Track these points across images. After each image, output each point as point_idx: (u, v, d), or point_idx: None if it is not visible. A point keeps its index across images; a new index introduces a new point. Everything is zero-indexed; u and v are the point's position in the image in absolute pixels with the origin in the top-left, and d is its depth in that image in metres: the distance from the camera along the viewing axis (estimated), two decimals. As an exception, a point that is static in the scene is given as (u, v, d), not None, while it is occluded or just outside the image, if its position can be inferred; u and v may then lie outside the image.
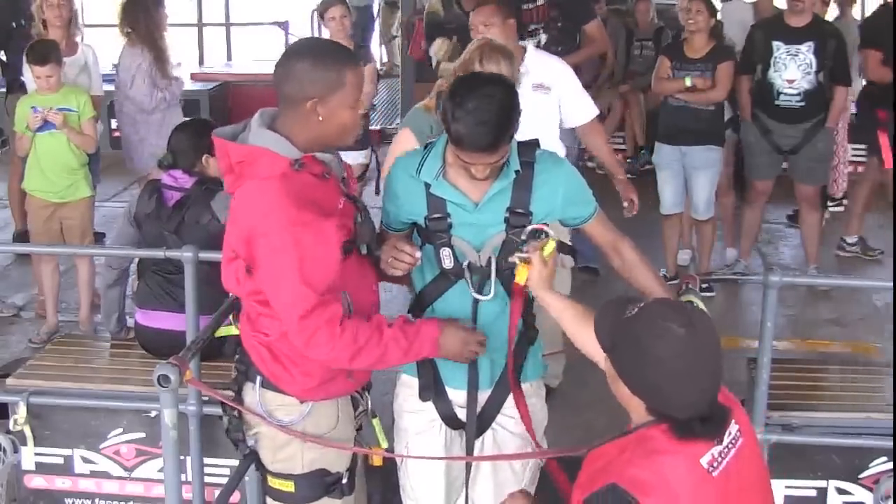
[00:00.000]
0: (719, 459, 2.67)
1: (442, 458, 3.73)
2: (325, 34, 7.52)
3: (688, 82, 7.36)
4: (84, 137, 6.69)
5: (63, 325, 6.84)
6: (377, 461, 3.76)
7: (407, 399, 3.77)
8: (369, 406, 3.76)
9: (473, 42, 4.66)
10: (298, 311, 3.24)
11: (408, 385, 3.76)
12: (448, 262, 3.55)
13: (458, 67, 4.50)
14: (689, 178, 7.56)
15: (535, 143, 3.60)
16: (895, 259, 6.24)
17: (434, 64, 8.08)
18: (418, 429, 3.75)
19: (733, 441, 2.72)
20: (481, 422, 3.69)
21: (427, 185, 3.53)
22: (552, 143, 5.18)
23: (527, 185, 3.52)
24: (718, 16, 7.92)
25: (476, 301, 3.56)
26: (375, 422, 3.75)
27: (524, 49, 5.60)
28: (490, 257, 3.52)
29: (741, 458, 2.73)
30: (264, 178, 3.24)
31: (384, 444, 3.75)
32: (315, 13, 8.53)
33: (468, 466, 3.76)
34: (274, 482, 3.62)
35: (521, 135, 3.54)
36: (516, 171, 3.50)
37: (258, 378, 3.53)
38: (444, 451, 3.74)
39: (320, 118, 3.27)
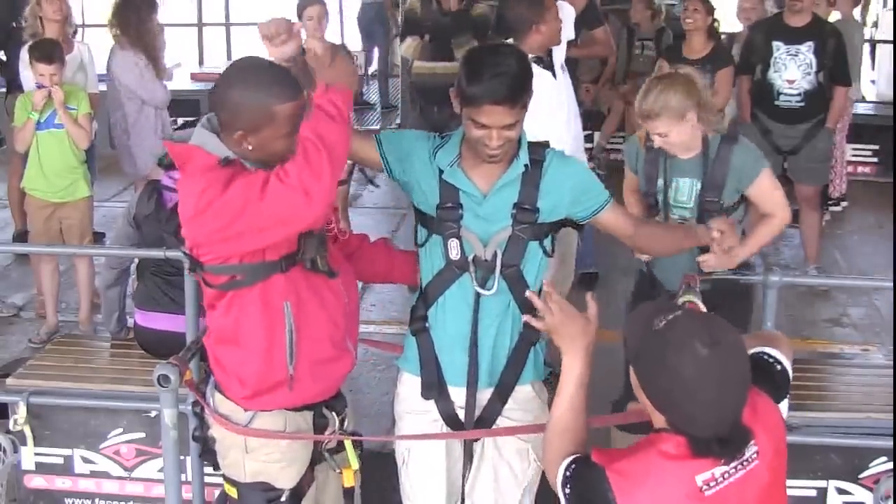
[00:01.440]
0: (719, 480, 2.62)
1: (426, 435, 3.71)
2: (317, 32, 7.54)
3: None
4: (80, 130, 6.67)
5: (63, 325, 6.84)
6: (349, 481, 3.75)
7: (407, 400, 3.76)
8: (346, 426, 3.74)
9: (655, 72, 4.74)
10: (254, 197, 3.12)
11: (409, 385, 3.75)
12: (455, 253, 3.55)
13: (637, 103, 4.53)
14: None
15: (545, 144, 3.63)
16: (895, 259, 6.23)
17: (410, 64, 8.15)
18: (420, 430, 3.74)
19: (744, 463, 2.66)
20: (482, 424, 3.67)
21: (440, 172, 3.55)
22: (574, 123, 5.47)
23: (534, 182, 3.54)
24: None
25: (478, 296, 3.56)
26: (348, 443, 3.72)
27: None
28: (496, 251, 3.53)
29: (749, 482, 2.66)
30: (192, 172, 3.27)
31: (355, 466, 3.73)
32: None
33: (465, 466, 3.74)
34: (225, 485, 3.68)
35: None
36: (525, 166, 3.52)
37: (212, 380, 3.63)
38: (446, 453, 3.72)
39: (250, 147, 3.27)
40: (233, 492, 3.64)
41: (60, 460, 5.03)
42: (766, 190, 4.53)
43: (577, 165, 3.72)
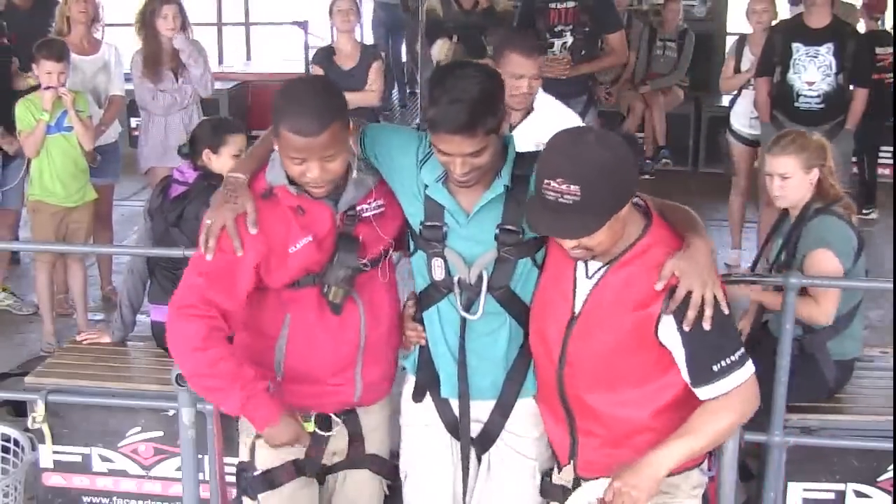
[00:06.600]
0: None
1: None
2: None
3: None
4: (88, 130, 6.66)
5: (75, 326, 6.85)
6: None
7: (412, 413, 3.69)
8: (364, 448, 3.72)
9: None
10: (178, 300, 3.36)
11: (410, 393, 3.70)
12: (439, 274, 3.42)
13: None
14: None
15: (534, 156, 3.28)
16: (895, 259, 6.18)
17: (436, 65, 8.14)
18: (425, 443, 3.67)
19: None
20: (485, 438, 3.60)
21: (425, 187, 3.39)
22: None
23: (520, 200, 3.30)
24: None
25: (464, 318, 3.44)
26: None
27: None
28: (482, 273, 3.36)
29: None
30: None
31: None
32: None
33: (465, 478, 3.64)
34: None
35: None
36: (505, 187, 3.31)
37: None
38: (452, 466, 3.64)
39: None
40: None
41: (78, 458, 5.04)
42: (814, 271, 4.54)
43: None
